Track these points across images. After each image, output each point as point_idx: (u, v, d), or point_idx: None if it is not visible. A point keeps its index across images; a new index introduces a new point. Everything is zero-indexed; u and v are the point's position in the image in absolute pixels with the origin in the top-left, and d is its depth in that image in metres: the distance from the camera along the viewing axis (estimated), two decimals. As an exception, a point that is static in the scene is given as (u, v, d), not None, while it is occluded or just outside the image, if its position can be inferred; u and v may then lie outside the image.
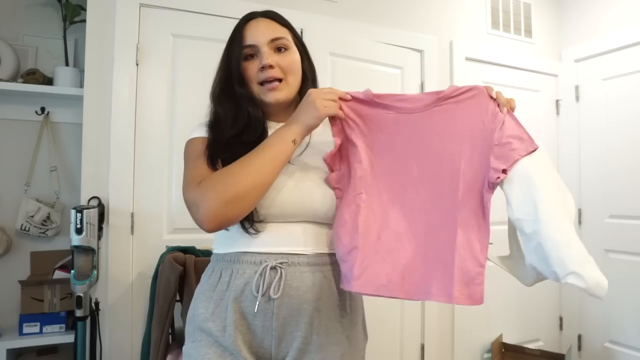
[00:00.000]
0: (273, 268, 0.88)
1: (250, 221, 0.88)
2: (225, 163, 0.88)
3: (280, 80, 0.94)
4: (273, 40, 0.94)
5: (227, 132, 0.93)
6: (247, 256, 0.90)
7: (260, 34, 0.94)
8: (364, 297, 0.99)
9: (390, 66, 2.23)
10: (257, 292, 0.87)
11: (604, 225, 2.51)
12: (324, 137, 1.00)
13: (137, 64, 1.74)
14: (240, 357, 0.87)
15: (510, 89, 2.59)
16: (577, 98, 2.67)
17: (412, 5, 2.34)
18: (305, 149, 0.97)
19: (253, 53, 0.95)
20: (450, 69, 2.40)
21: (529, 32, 2.67)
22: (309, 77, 1.02)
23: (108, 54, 1.71)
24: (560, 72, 2.74)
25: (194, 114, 1.82)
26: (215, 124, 0.96)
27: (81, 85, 1.80)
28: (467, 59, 2.44)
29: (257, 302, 0.87)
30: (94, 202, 1.63)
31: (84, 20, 1.76)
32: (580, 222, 2.64)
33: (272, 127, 0.98)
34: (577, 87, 2.67)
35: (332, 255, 0.93)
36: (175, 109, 1.80)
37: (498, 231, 2.86)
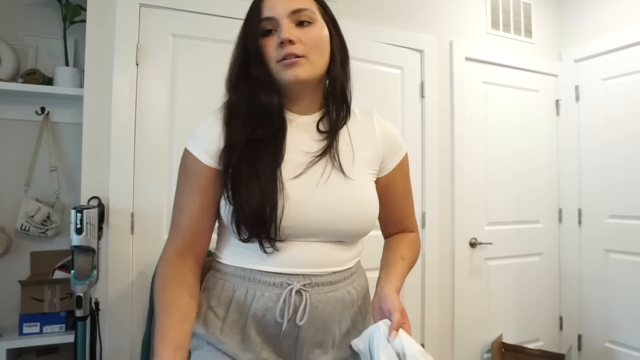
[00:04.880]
0: (297, 292, 0.82)
1: (270, 240, 0.81)
2: (235, 174, 0.81)
3: (301, 57, 0.81)
4: (295, 12, 0.82)
5: (240, 131, 0.83)
6: (265, 276, 0.83)
7: (279, 5, 0.82)
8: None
9: (390, 66, 2.23)
10: (282, 319, 0.81)
11: (604, 225, 2.51)
12: (362, 133, 0.92)
13: (137, 64, 1.74)
14: None
15: (510, 89, 2.59)
16: (577, 98, 2.67)
17: (412, 5, 2.34)
18: (332, 148, 0.87)
19: (272, 27, 0.83)
20: (450, 69, 2.39)
21: (529, 32, 2.67)
22: (337, 58, 0.88)
23: (108, 54, 1.71)
24: (560, 72, 2.74)
25: (194, 114, 1.83)
26: (230, 119, 0.86)
27: (81, 85, 1.80)
28: (467, 59, 2.44)
29: (283, 329, 0.82)
30: (94, 202, 1.63)
31: (84, 20, 1.76)
32: (580, 222, 2.64)
33: (293, 119, 0.89)
34: (577, 87, 2.67)
35: (349, 269, 0.90)
36: (175, 109, 1.80)
37: (498, 231, 2.85)
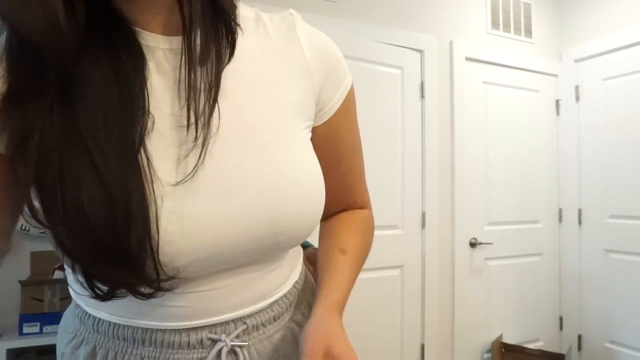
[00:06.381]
0: (230, 351, 0.51)
1: (151, 283, 0.42)
2: (41, 154, 0.38)
3: None
4: None
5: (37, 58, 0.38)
6: (172, 335, 0.49)
7: None
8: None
9: (390, 66, 2.23)
10: None
11: (604, 225, 2.51)
12: (282, 57, 0.53)
13: (137, 64, 1.73)
14: None
15: (510, 89, 2.60)
16: (577, 98, 2.67)
17: (412, 5, 2.34)
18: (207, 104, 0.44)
19: None
20: (450, 69, 2.40)
21: (529, 32, 2.67)
22: None
23: (108, 54, 1.71)
24: (560, 72, 2.74)
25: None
26: (12, 39, 0.39)
27: (81, 85, 1.80)
28: (467, 59, 2.44)
29: None
30: (94, 202, 1.63)
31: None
32: (580, 222, 2.64)
33: (149, 45, 0.45)
34: (577, 87, 2.67)
35: (295, 284, 0.60)
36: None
37: (498, 231, 2.85)
